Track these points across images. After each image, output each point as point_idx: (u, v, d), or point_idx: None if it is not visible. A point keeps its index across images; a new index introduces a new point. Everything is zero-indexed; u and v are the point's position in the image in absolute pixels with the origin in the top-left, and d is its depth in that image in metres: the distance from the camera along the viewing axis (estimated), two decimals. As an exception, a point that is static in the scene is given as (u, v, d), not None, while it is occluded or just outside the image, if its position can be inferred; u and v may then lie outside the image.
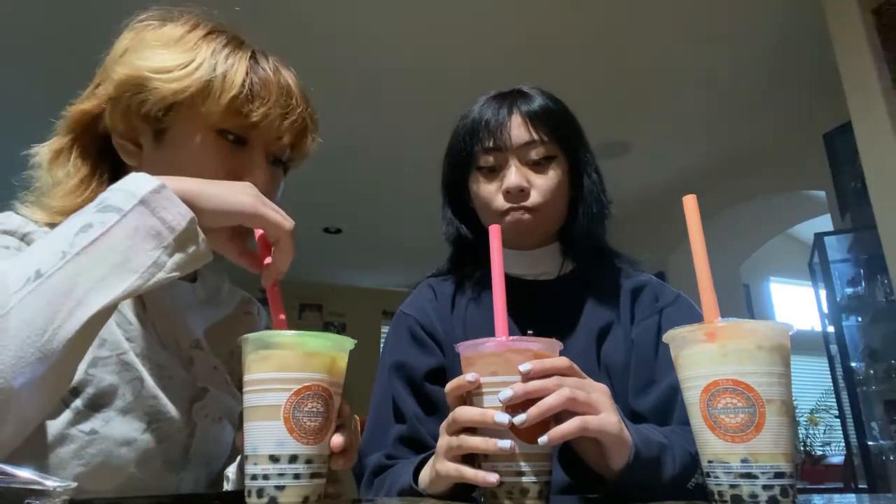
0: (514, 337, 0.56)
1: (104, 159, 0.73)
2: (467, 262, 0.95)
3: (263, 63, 0.70)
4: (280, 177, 0.76)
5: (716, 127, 3.52)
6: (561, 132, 0.88)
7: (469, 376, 0.54)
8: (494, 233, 0.61)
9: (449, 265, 0.99)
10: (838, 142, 3.07)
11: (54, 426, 0.60)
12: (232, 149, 0.69)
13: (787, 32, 2.77)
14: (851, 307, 2.92)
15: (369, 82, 3.07)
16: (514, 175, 0.85)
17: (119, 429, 0.64)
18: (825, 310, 3.04)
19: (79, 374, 0.62)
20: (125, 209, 0.52)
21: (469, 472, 0.55)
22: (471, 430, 0.56)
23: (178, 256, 0.53)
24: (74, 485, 0.44)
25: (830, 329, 3.00)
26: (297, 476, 0.47)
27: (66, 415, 0.61)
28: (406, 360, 0.87)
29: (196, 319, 0.77)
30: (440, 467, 0.58)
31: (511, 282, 0.90)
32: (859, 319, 2.92)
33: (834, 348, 2.98)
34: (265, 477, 0.47)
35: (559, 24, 2.71)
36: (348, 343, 0.54)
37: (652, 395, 0.80)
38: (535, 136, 0.86)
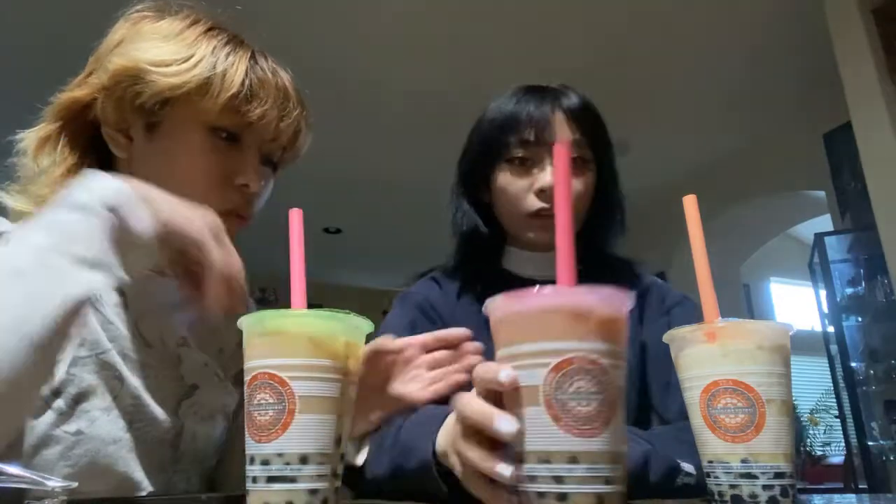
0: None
1: (92, 149, 0.72)
2: (478, 259, 0.91)
3: (262, 63, 0.70)
4: (270, 176, 0.76)
5: (716, 127, 3.52)
6: (598, 137, 0.86)
7: (503, 375, 0.38)
8: (561, 152, 0.43)
9: (456, 261, 0.93)
10: (838, 142, 3.07)
11: (38, 428, 0.60)
12: (225, 146, 0.69)
13: (788, 32, 2.77)
14: (851, 307, 2.92)
15: (370, 83, 3.07)
16: (551, 174, 0.80)
17: (105, 428, 0.63)
18: (825, 310, 3.04)
19: (60, 374, 0.61)
20: (96, 209, 0.52)
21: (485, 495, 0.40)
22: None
23: (129, 260, 0.54)
24: (74, 485, 0.44)
25: (830, 329, 3.00)
26: (254, 480, 0.42)
27: (50, 415, 0.60)
28: (416, 320, 0.84)
29: (182, 317, 0.76)
30: (464, 482, 0.44)
31: (520, 282, 0.86)
32: (859, 319, 2.92)
33: (834, 348, 2.98)
34: (244, 478, 0.43)
35: (559, 24, 2.71)
36: (315, 320, 0.44)
37: (674, 401, 0.75)
38: (577, 136, 0.82)
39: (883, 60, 2.21)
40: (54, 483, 0.43)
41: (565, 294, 0.39)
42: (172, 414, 0.70)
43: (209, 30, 0.69)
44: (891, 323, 2.80)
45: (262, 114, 0.67)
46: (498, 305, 0.40)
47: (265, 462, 0.41)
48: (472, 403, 0.40)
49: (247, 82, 0.67)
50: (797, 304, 5.53)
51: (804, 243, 4.52)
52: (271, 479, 0.41)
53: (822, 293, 3.04)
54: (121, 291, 0.71)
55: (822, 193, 3.37)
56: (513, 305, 0.39)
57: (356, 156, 3.71)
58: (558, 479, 0.35)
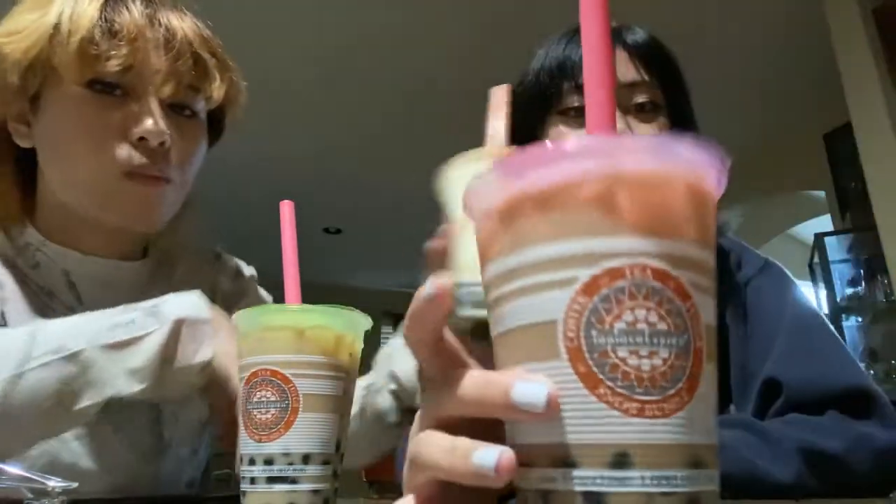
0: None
1: (9, 147, 0.68)
2: None
3: (129, 3, 0.63)
4: (194, 129, 0.69)
5: (716, 127, 3.51)
6: (670, 78, 0.73)
7: (429, 286, 0.25)
8: None
9: None
10: (838, 142, 3.07)
11: None
12: (111, 101, 0.62)
13: (788, 32, 2.77)
14: (851, 307, 2.92)
15: (369, 82, 3.07)
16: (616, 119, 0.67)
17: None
18: (825, 310, 3.03)
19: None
20: (164, 322, 0.51)
21: None
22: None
23: (170, 384, 0.53)
24: (75, 485, 0.44)
25: (830, 329, 3.00)
26: (252, 481, 0.40)
27: None
28: None
29: (142, 298, 0.75)
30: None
31: None
32: (859, 320, 2.92)
33: (834, 348, 2.98)
34: (238, 480, 0.43)
35: (559, 23, 2.70)
36: (317, 316, 0.43)
37: (750, 403, 0.63)
38: (644, 77, 0.70)
39: (883, 60, 2.21)
40: (54, 483, 0.43)
41: (606, 147, 0.22)
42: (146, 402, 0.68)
43: None
44: (891, 323, 2.80)
45: (128, 54, 0.60)
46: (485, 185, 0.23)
47: (268, 462, 0.40)
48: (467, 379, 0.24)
49: (98, 21, 0.60)
50: (797, 304, 5.53)
51: (804, 243, 4.52)
52: (272, 480, 0.40)
53: (823, 293, 3.04)
54: (70, 284, 0.68)
55: (822, 193, 3.37)
56: (513, 178, 0.22)
57: (356, 156, 3.71)
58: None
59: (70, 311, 0.65)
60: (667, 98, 0.72)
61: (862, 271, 2.89)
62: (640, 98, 0.69)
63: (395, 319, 6.29)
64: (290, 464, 0.40)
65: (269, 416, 0.40)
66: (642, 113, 0.69)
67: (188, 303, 0.53)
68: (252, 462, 0.41)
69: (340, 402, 0.43)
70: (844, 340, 2.81)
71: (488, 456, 0.21)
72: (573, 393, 0.20)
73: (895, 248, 2.15)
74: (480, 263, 0.24)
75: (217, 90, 0.68)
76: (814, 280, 3.26)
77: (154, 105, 0.63)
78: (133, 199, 0.64)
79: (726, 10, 2.63)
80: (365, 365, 0.87)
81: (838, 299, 2.91)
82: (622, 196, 0.21)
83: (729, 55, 2.91)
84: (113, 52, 0.60)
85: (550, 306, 0.21)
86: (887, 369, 2.76)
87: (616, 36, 0.71)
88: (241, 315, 0.44)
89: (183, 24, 0.65)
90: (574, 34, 0.75)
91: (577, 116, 0.70)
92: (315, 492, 0.40)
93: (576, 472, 0.20)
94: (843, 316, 2.90)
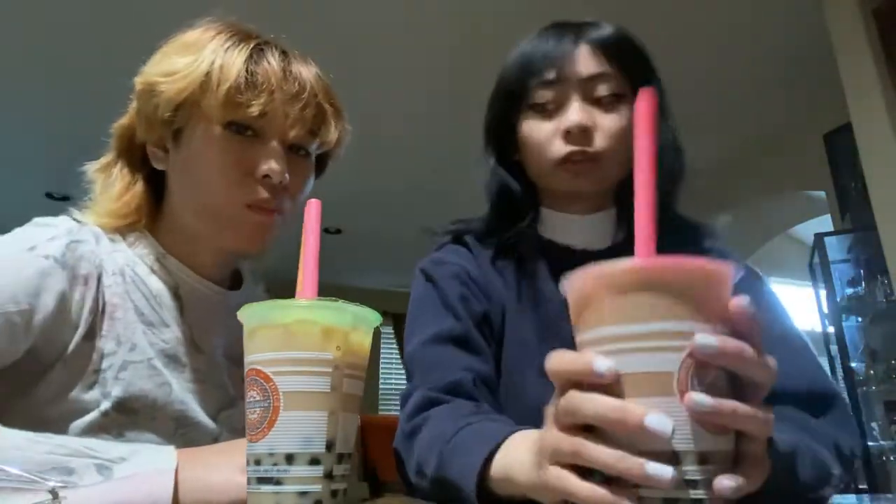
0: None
1: (143, 167, 0.76)
2: (512, 222, 0.81)
3: (269, 55, 0.70)
4: (306, 168, 0.76)
5: (715, 127, 3.52)
6: (634, 67, 0.75)
7: (600, 364, 0.34)
8: (643, 98, 0.40)
9: (489, 226, 0.83)
10: (838, 142, 3.06)
11: (79, 427, 0.61)
12: (243, 141, 0.69)
13: (788, 32, 2.76)
14: (851, 307, 2.91)
15: (371, 83, 3.07)
16: (576, 111, 0.71)
17: (146, 436, 0.64)
18: (825, 310, 3.03)
19: (109, 377, 0.63)
20: (110, 474, 0.48)
21: (582, 489, 0.35)
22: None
23: None
24: (74, 485, 0.44)
25: (830, 329, 3.00)
26: (249, 481, 0.40)
27: (93, 416, 0.62)
28: (465, 295, 0.75)
29: (231, 328, 0.77)
30: (543, 474, 0.38)
31: (559, 251, 0.79)
32: (859, 320, 2.91)
33: (834, 349, 2.97)
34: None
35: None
36: (300, 310, 0.42)
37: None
38: (606, 69, 0.73)
39: (883, 60, 2.21)
40: (54, 483, 0.43)
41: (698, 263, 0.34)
42: (213, 421, 0.71)
43: (220, 33, 0.71)
44: (891, 323, 2.79)
45: (266, 103, 0.68)
46: (608, 272, 0.35)
47: (257, 462, 0.40)
48: (595, 400, 0.34)
49: (243, 73, 0.68)
50: (797, 305, 5.52)
51: (804, 243, 4.52)
52: (261, 480, 0.39)
53: (822, 293, 3.04)
54: (177, 296, 0.73)
55: (822, 193, 3.37)
56: (638, 273, 0.35)
57: (356, 155, 3.70)
58: (693, 484, 0.32)
59: (174, 320, 0.71)
60: (634, 89, 0.74)
61: (862, 271, 2.88)
62: (603, 90, 0.73)
63: (395, 319, 6.29)
64: (275, 464, 0.39)
65: (255, 415, 0.40)
66: (604, 105, 0.73)
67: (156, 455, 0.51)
68: (248, 462, 0.41)
69: (329, 399, 0.41)
70: (845, 340, 2.82)
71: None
72: (684, 417, 0.32)
73: (895, 248, 2.15)
74: (585, 325, 0.37)
75: (332, 135, 0.76)
76: (814, 280, 3.26)
77: (278, 147, 0.71)
78: (250, 226, 0.71)
79: (725, 11, 2.62)
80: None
81: (838, 299, 2.91)
82: (715, 297, 0.35)
83: (729, 55, 2.91)
84: (254, 101, 0.68)
85: (669, 361, 0.33)
86: (887, 369, 2.76)
87: (579, 33, 0.75)
88: (240, 314, 0.43)
89: (310, 75, 0.73)
90: (541, 33, 0.79)
91: (543, 112, 0.75)
92: (302, 493, 0.39)
93: (702, 467, 0.32)
94: (843, 316, 2.90)
